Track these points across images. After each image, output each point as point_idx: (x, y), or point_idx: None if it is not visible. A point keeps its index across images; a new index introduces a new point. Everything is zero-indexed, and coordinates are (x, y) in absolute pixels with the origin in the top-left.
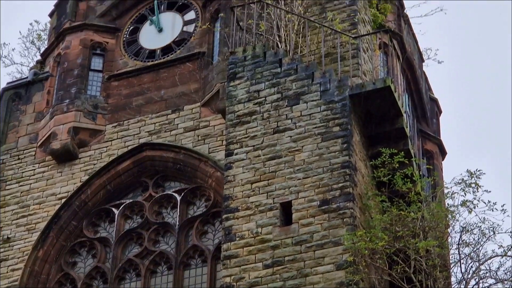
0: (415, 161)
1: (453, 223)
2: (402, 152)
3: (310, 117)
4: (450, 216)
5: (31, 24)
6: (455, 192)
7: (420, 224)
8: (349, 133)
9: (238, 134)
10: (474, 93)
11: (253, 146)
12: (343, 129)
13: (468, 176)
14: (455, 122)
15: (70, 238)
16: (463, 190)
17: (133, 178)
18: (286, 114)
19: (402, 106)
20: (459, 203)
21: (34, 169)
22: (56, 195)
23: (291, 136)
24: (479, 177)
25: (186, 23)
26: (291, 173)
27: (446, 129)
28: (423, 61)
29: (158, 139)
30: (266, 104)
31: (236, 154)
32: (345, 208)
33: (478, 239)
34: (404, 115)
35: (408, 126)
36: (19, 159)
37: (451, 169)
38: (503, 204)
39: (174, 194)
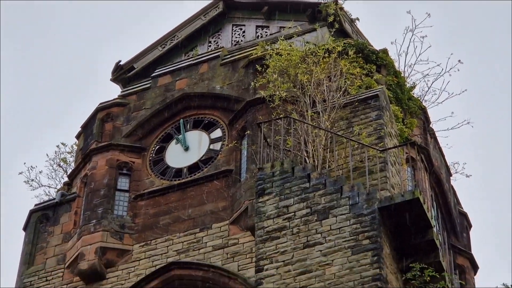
0: (447, 275)
1: None
2: (433, 267)
3: (339, 230)
4: None
5: (58, 146)
6: None
7: None
8: (379, 246)
9: (268, 250)
10: (504, 206)
11: (283, 261)
12: (373, 242)
13: None
14: (486, 236)
15: None
16: None
17: None
18: (316, 229)
19: (432, 218)
20: None
21: None
22: None
23: (321, 251)
24: None
25: (212, 141)
26: (322, 287)
27: (477, 243)
28: (450, 175)
29: (187, 258)
30: (296, 219)
31: (266, 270)
32: None
33: None
34: (434, 228)
35: (439, 239)
36: (46, 280)
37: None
38: None
39: None
